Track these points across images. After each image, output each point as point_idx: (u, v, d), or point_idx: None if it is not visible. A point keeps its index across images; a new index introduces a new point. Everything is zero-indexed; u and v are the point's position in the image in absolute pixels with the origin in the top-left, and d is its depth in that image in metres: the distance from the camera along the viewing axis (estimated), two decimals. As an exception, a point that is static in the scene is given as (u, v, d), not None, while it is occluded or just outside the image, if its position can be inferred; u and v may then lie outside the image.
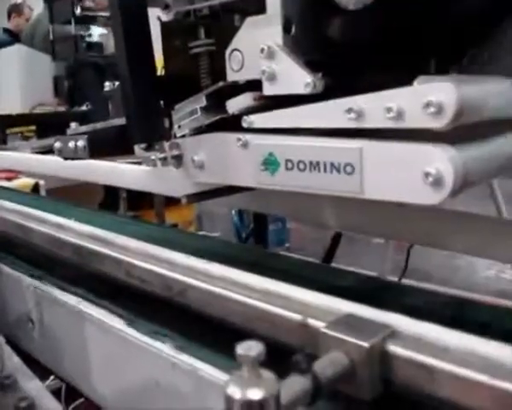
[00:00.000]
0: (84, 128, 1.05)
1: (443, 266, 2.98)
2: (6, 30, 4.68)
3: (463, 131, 0.56)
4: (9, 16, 4.68)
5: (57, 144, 0.94)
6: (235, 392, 0.44)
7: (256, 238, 2.42)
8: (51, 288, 1.02)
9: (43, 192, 1.42)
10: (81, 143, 0.88)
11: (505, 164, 0.65)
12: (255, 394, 0.44)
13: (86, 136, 0.88)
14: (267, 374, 0.45)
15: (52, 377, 1.15)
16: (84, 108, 3.53)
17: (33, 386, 0.85)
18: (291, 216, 1.62)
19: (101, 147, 0.91)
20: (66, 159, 0.94)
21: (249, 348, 0.45)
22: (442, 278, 2.88)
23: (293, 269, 1.08)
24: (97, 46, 4.05)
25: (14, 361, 0.92)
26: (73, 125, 1.08)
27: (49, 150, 2.24)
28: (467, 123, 0.55)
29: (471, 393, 0.49)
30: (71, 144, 0.90)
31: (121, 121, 0.91)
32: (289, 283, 0.70)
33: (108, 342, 0.86)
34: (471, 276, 3.05)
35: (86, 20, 4.04)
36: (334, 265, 1.65)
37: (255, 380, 0.44)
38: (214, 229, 3.47)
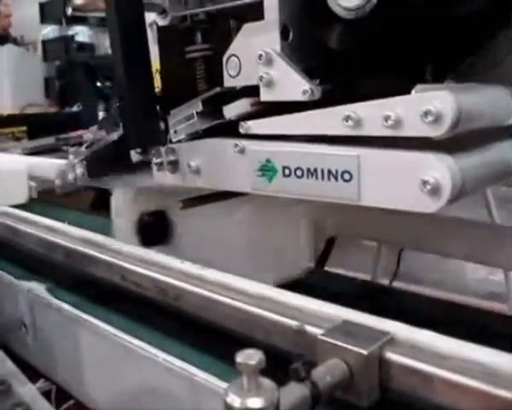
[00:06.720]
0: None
1: (433, 269, 2.99)
2: None
3: (461, 139, 0.57)
4: None
5: (57, 182, 0.98)
6: (235, 400, 0.44)
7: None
8: (44, 292, 1.01)
9: (34, 194, 1.41)
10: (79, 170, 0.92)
11: (502, 172, 0.66)
12: (255, 402, 0.44)
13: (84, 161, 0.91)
14: (267, 382, 0.45)
15: (42, 380, 1.15)
16: (75, 108, 3.52)
17: (27, 391, 0.84)
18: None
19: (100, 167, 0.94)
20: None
21: (249, 357, 0.44)
22: (432, 280, 2.89)
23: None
24: (88, 47, 4.03)
25: (7, 367, 0.91)
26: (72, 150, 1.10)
27: (39, 151, 2.22)
28: (464, 131, 0.56)
29: (468, 400, 0.49)
30: (70, 176, 0.93)
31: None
32: (283, 286, 0.70)
33: (103, 348, 0.86)
34: (461, 278, 3.05)
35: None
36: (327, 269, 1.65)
37: (255, 388, 0.44)
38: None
